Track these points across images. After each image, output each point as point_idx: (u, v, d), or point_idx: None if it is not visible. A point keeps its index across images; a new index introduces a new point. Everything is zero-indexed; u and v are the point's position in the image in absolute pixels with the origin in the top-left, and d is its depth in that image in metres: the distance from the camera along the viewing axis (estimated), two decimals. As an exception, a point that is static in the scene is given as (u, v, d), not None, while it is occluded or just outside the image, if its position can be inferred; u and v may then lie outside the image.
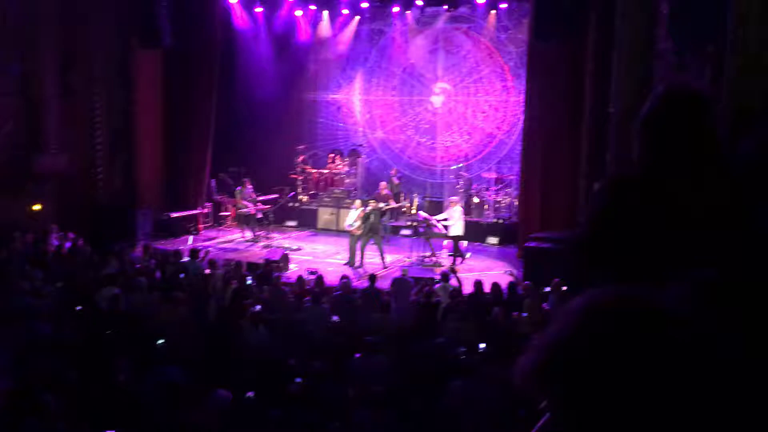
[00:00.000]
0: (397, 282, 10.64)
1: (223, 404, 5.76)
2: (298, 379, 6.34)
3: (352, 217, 13.54)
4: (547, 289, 9.82)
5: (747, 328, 1.02)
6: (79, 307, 8.76)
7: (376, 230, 13.28)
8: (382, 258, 13.28)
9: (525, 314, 8.79)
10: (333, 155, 18.82)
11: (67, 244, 12.58)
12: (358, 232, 13.36)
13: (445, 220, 13.55)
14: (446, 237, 13.67)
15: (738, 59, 5.45)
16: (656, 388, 0.81)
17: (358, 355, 7.36)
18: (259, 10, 17.85)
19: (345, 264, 13.35)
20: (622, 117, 9.89)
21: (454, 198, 14.51)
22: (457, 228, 13.43)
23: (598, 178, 9.43)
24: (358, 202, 14.11)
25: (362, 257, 13.29)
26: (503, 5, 17.09)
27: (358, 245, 13.35)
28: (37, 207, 14.52)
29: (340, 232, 15.55)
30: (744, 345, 0.93)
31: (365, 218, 13.29)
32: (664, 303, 0.90)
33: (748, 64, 5.42)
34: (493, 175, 17.02)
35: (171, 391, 5.80)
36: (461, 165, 18.14)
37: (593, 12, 12.26)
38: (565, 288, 9.36)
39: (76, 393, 5.92)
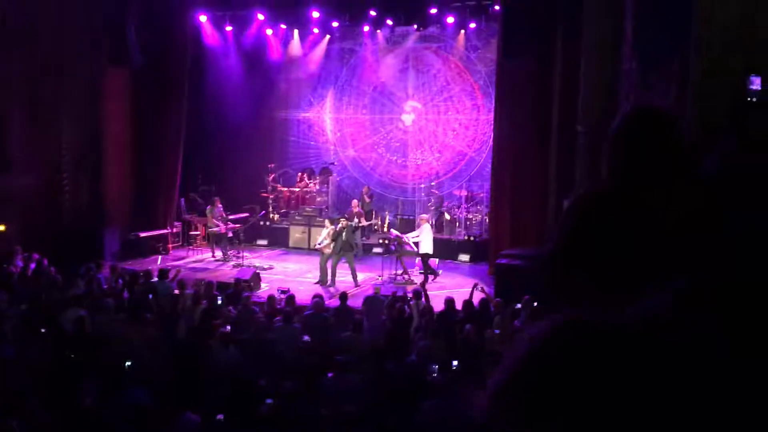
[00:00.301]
0: (370, 300, 10.61)
1: (191, 427, 5.66)
2: (269, 400, 6.26)
3: (322, 236, 13.52)
4: (518, 305, 9.88)
5: (729, 331, 1.03)
6: (43, 330, 8.57)
7: (348, 248, 13.23)
8: (354, 276, 13.23)
9: (497, 331, 8.81)
10: (302, 174, 18.79)
11: (32, 265, 12.33)
12: (328, 251, 13.32)
13: (416, 237, 13.60)
14: (417, 255, 13.67)
15: (702, 63, 5.55)
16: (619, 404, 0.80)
17: (330, 375, 7.30)
18: (229, 28, 17.83)
19: (316, 283, 13.28)
20: (590, 135, 10.04)
21: (424, 216, 14.55)
22: (426, 245, 13.47)
23: (567, 195, 9.55)
24: (327, 221, 14.10)
25: (334, 276, 13.23)
26: (472, 25, 17.29)
27: (329, 264, 13.29)
28: (0, 227, 14.22)
29: (312, 251, 15.48)
30: (728, 348, 0.93)
31: (336, 236, 13.25)
32: (618, 321, 0.90)
33: (712, 69, 5.53)
34: (464, 193, 17.12)
35: (138, 414, 5.68)
36: (433, 183, 18.21)
37: (560, 32, 12.47)
38: (536, 304, 9.41)
39: (40, 417, 5.77)
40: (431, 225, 14.93)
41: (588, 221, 2.12)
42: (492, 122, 15.86)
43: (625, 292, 1.94)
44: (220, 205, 15.95)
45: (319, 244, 13.65)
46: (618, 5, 9.52)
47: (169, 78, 16.29)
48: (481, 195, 16.95)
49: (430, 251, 13.61)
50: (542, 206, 13.53)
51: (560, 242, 2.19)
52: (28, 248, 12.86)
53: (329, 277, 13.24)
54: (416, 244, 13.57)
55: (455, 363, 7.32)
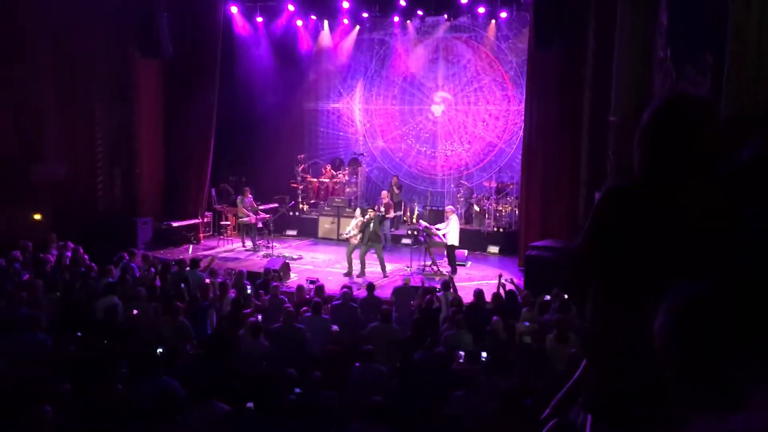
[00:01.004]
0: (399, 291, 10.62)
1: (221, 416, 5.73)
2: (298, 390, 6.31)
3: (351, 226, 13.54)
4: (548, 297, 9.81)
5: None
6: (77, 317, 8.74)
7: (376, 239, 13.23)
8: (383, 267, 13.24)
9: (526, 323, 8.75)
10: (326, 166, 18.79)
11: (67, 254, 12.56)
12: (355, 241, 13.33)
13: (445, 229, 13.53)
14: (445, 246, 13.61)
15: (736, 69, 5.44)
16: None
17: (357, 365, 7.33)
18: (259, 19, 17.89)
19: (346, 275, 13.31)
20: (622, 125, 9.89)
21: (450, 207, 14.45)
22: (452, 237, 13.41)
23: (599, 186, 9.43)
24: (358, 210, 14.12)
25: (363, 266, 13.25)
26: (503, 15, 17.11)
27: (357, 254, 13.31)
28: (37, 216, 14.51)
29: (341, 242, 15.53)
30: None
31: (364, 227, 13.26)
32: None
33: (746, 74, 5.41)
34: (494, 184, 17.00)
35: (169, 401, 5.77)
36: (463, 181, 18.06)
37: (593, 21, 12.28)
38: (565, 297, 9.33)
39: (73, 403, 5.89)
40: (459, 216, 14.88)
41: (614, 216, 2.09)
42: (522, 113, 15.72)
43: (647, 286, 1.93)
44: (250, 196, 16.07)
45: (347, 233, 13.66)
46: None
47: (200, 69, 16.41)
48: (511, 186, 16.82)
49: (456, 243, 13.55)
50: (573, 198, 13.37)
51: (585, 239, 2.17)
52: (63, 237, 13.10)
53: (359, 268, 13.25)
54: (443, 235, 13.51)
55: (484, 355, 7.29)
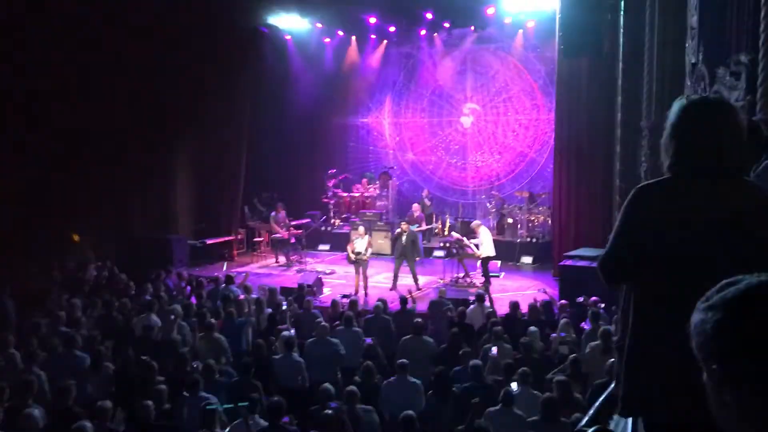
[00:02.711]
0: (434, 304, 10.58)
1: (258, 431, 5.75)
2: (333, 404, 6.31)
3: (364, 245, 13.09)
4: (581, 299, 9.73)
5: None
6: (116, 335, 8.87)
7: (408, 252, 13.18)
8: (415, 279, 13.20)
9: (562, 334, 8.64)
10: (366, 180, 18.76)
11: (105, 273, 12.79)
12: (366, 258, 13.04)
13: (479, 243, 13.39)
14: (478, 258, 13.51)
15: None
16: None
17: (392, 378, 7.30)
18: (288, 36, 18.07)
19: (390, 288, 13.11)
20: (654, 131, 9.76)
21: (476, 222, 14.18)
22: (487, 249, 13.30)
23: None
24: (361, 228, 13.72)
25: (395, 279, 13.22)
26: (530, 24, 17.06)
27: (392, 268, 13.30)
28: (76, 237, 14.80)
29: (374, 255, 15.40)
30: None
31: (396, 240, 13.21)
32: None
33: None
34: (526, 194, 16.88)
35: (207, 417, 5.81)
36: (495, 192, 17.87)
37: (622, 27, 12.18)
38: (602, 306, 9.21)
39: (113, 420, 5.97)
40: (491, 228, 14.81)
41: (644, 213, 2.11)
42: (552, 121, 15.61)
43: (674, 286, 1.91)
44: (282, 211, 16.20)
45: (357, 253, 12.99)
46: (682, -3, 9.24)
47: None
48: (543, 196, 16.69)
49: (492, 253, 13.44)
50: (606, 206, 13.23)
51: (616, 238, 2.19)
52: (101, 257, 13.35)
53: (390, 281, 13.22)
54: (476, 246, 13.40)
55: (521, 368, 7.21)
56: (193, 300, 10.85)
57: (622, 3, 12.19)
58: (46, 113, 13.55)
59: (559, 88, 14.61)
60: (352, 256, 13.00)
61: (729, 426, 1.07)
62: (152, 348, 8.17)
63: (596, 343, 7.61)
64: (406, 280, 13.26)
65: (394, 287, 13.06)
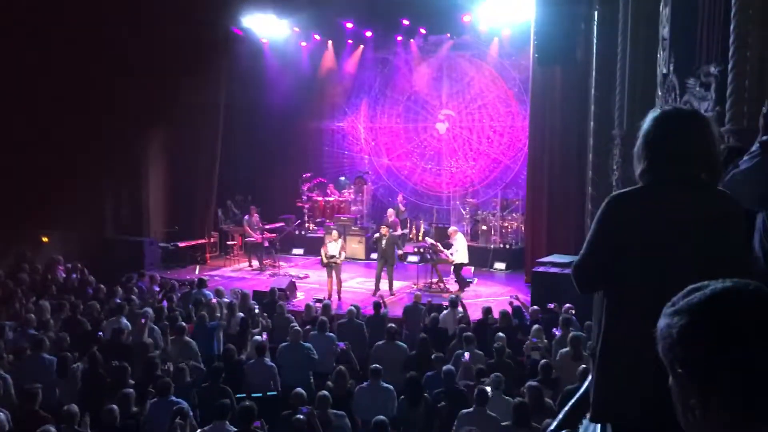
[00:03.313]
0: (409, 309, 10.59)
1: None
2: (305, 409, 6.28)
3: (337, 249, 13.05)
4: (551, 306, 9.81)
5: None
6: (84, 338, 8.75)
7: (388, 256, 13.18)
8: (391, 285, 13.21)
9: (534, 339, 8.70)
10: (330, 185, 18.75)
11: (74, 275, 12.60)
12: (339, 262, 13.02)
13: (456, 252, 13.44)
14: (452, 264, 13.56)
15: (740, 81, 5.44)
16: None
17: (365, 384, 7.29)
18: (264, 40, 18.00)
19: (372, 293, 13.09)
20: (626, 140, 9.90)
21: (453, 228, 14.32)
22: (461, 255, 13.37)
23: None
24: (335, 233, 13.86)
25: (378, 284, 13.19)
26: (506, 32, 17.20)
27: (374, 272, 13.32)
28: (44, 238, 14.58)
29: (347, 260, 15.36)
30: None
31: (376, 243, 13.22)
32: None
33: (749, 85, 5.42)
34: (499, 201, 16.99)
35: (176, 423, 5.74)
36: (469, 198, 17.99)
37: (595, 37, 12.33)
38: (573, 312, 9.29)
39: (80, 424, 5.88)
40: (465, 233, 14.88)
41: (616, 220, 2.15)
42: (527, 129, 15.74)
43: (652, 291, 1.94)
44: (256, 215, 16.11)
45: (331, 257, 12.90)
46: (655, 8, 9.38)
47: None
48: (517, 202, 16.81)
49: (465, 260, 13.52)
50: (579, 213, 13.35)
51: (589, 246, 2.21)
52: (71, 259, 13.15)
53: (372, 286, 13.22)
54: (451, 253, 13.47)
55: (493, 373, 7.24)
56: (165, 303, 10.73)
57: (596, 14, 12.34)
58: (13, 115, 13.38)
59: (534, 96, 14.73)
60: (326, 260, 12.96)
61: (694, 430, 1.08)
62: (122, 351, 8.07)
63: (566, 350, 7.69)
64: (368, 284, 13.28)
65: (376, 292, 13.00)
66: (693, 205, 2.10)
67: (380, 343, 8.57)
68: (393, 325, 9.04)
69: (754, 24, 5.52)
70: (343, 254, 13.27)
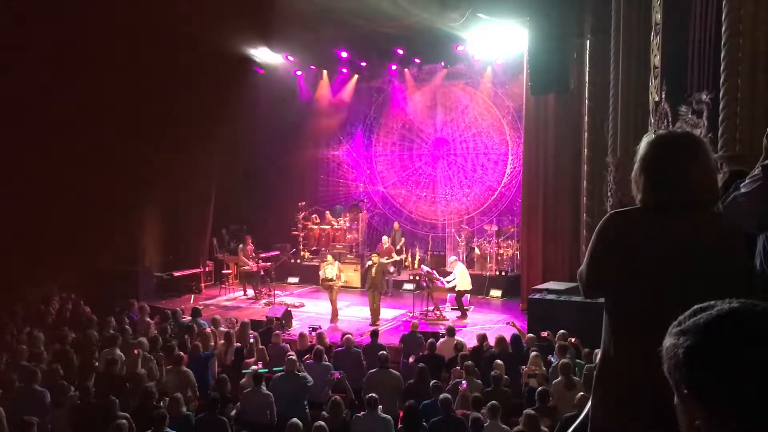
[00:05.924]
0: (407, 337, 10.55)
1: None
2: None
3: (334, 272, 13.35)
4: (544, 334, 9.77)
5: None
6: (79, 369, 8.66)
7: (377, 285, 13.16)
8: (376, 314, 13.15)
9: (532, 367, 8.66)
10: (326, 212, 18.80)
11: (68, 306, 12.52)
12: (337, 287, 13.23)
13: (454, 281, 13.45)
14: (450, 291, 13.55)
15: (731, 107, 5.52)
16: None
17: (362, 413, 7.23)
18: (260, 69, 18.12)
19: (370, 324, 13.04)
20: (619, 167, 9.97)
21: (453, 258, 14.46)
22: (463, 283, 13.37)
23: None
24: (329, 257, 14.08)
25: (373, 315, 13.13)
26: (499, 61, 17.39)
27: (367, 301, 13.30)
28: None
29: (343, 287, 15.34)
30: None
31: (366, 272, 13.23)
32: None
33: (740, 112, 5.49)
34: (495, 228, 17.02)
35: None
36: (464, 225, 18.06)
37: (587, 66, 12.48)
38: (572, 339, 9.26)
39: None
40: (462, 261, 14.90)
41: (616, 235, 2.17)
42: (521, 157, 15.83)
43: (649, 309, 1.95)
44: (251, 244, 16.09)
45: (329, 279, 13.37)
46: (646, 37, 9.52)
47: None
48: (512, 230, 16.84)
49: (468, 287, 13.51)
50: (574, 240, 13.38)
51: (589, 259, 2.24)
52: (65, 289, 13.07)
53: (369, 314, 13.18)
54: (448, 281, 13.49)
55: (490, 401, 7.19)
56: (159, 333, 10.65)
57: (588, 43, 12.51)
58: (8, 143, 13.38)
59: (527, 124, 14.84)
60: (322, 282, 13.10)
61: None
62: (116, 382, 7.99)
63: (559, 379, 7.68)
64: (363, 312, 13.35)
65: (374, 322, 12.94)
66: (691, 229, 2.11)
67: (373, 371, 8.52)
68: (384, 352, 8.99)
69: (744, 51, 5.61)
70: (343, 276, 13.33)
